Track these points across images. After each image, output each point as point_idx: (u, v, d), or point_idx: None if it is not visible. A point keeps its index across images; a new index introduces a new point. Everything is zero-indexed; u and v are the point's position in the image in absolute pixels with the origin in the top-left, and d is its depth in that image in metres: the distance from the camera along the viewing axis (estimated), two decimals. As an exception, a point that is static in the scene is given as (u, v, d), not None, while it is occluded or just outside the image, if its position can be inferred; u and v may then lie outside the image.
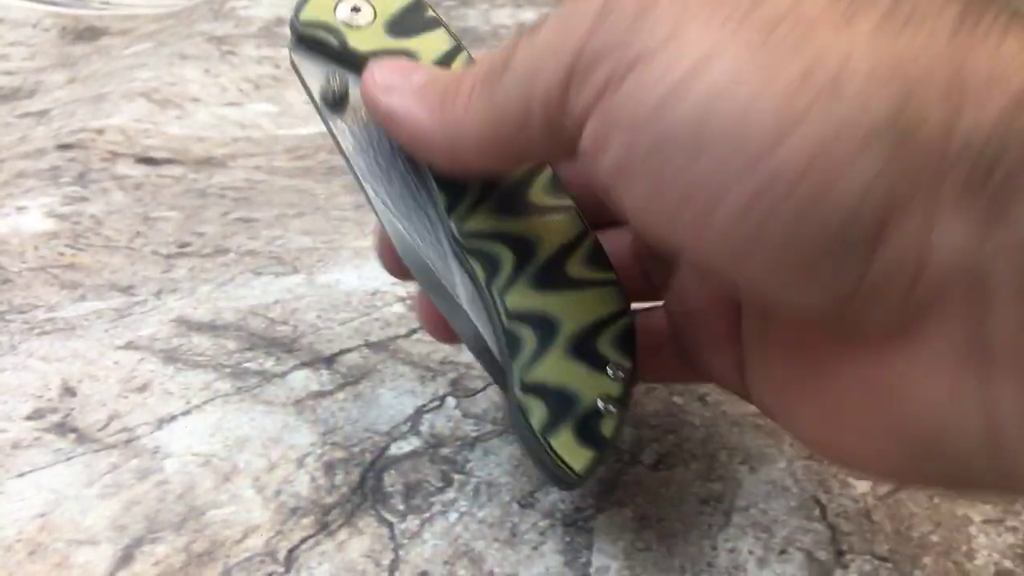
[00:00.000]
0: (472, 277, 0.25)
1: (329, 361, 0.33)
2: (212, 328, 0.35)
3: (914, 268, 0.17)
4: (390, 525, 0.26)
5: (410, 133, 0.23)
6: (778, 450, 0.29)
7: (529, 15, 0.84)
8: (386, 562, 0.25)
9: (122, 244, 0.44)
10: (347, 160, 0.26)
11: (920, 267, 0.17)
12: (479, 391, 0.32)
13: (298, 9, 0.26)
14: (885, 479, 0.23)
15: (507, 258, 0.25)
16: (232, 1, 0.84)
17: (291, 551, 0.25)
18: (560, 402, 0.23)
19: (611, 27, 0.18)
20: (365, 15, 0.26)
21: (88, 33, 0.84)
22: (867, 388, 0.19)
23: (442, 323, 0.26)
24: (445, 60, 0.26)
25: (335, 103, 0.26)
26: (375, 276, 0.39)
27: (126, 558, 0.25)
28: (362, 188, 0.26)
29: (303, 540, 0.26)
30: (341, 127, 0.26)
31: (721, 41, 0.17)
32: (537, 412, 0.23)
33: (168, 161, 0.54)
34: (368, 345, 0.34)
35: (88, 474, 0.28)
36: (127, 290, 0.39)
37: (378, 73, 0.24)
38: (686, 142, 0.17)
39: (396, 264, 0.26)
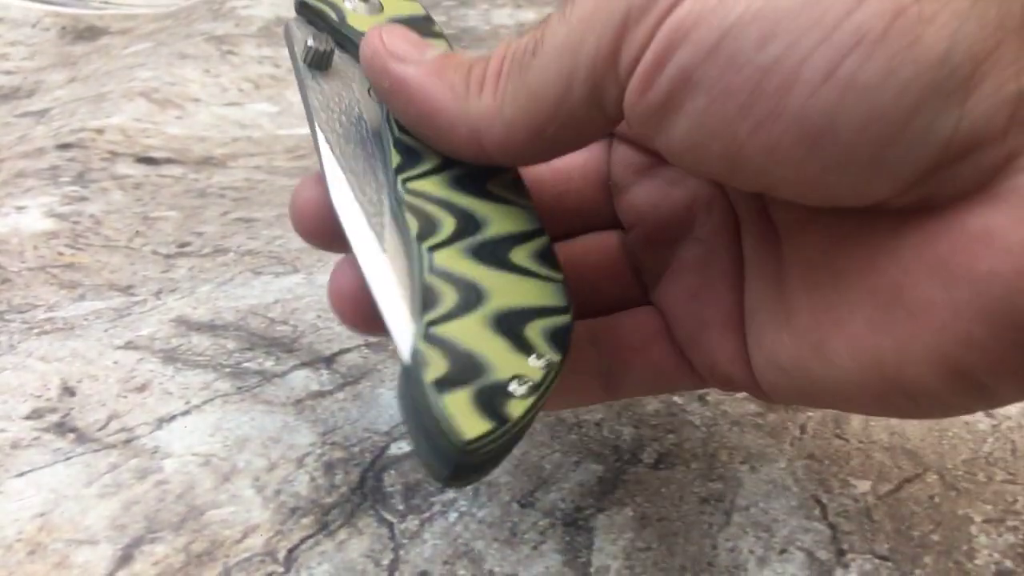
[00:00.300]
0: (404, 232, 0.22)
1: (329, 361, 0.33)
2: (212, 328, 0.35)
3: (1011, 102, 0.17)
4: (390, 525, 0.26)
5: (424, 112, 0.22)
6: (778, 450, 0.29)
7: (529, 15, 0.84)
8: (386, 562, 0.25)
9: (122, 244, 0.44)
10: (308, 111, 0.25)
11: (1017, 100, 0.17)
12: (479, 391, 0.32)
13: None
14: (959, 382, 0.19)
15: (448, 224, 0.22)
16: (232, 1, 0.84)
17: (291, 551, 0.25)
18: (465, 365, 0.20)
19: None
20: (373, 6, 0.26)
21: (88, 33, 0.84)
22: (936, 263, 0.18)
23: (352, 299, 0.24)
24: None
25: (315, 62, 0.25)
26: (375, 276, 0.39)
27: (125, 558, 0.25)
28: (314, 137, 0.25)
29: (303, 540, 0.26)
30: (313, 84, 0.25)
31: None
32: (435, 365, 0.20)
33: (168, 161, 0.54)
34: (368, 345, 0.34)
35: (87, 474, 0.28)
36: (127, 290, 0.39)
37: (387, 37, 0.23)
38: (753, 27, 0.17)
39: (310, 223, 0.25)
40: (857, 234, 0.20)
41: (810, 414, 0.31)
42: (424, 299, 0.21)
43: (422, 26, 0.25)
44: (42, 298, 0.38)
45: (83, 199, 0.48)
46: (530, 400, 0.20)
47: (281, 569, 0.25)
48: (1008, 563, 0.25)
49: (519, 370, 0.20)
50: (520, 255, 0.22)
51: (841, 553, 0.25)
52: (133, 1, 0.92)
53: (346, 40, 0.25)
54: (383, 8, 0.26)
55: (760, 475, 0.28)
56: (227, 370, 0.33)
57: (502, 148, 0.22)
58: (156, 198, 0.49)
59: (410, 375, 0.20)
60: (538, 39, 0.21)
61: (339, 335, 0.35)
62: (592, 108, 0.20)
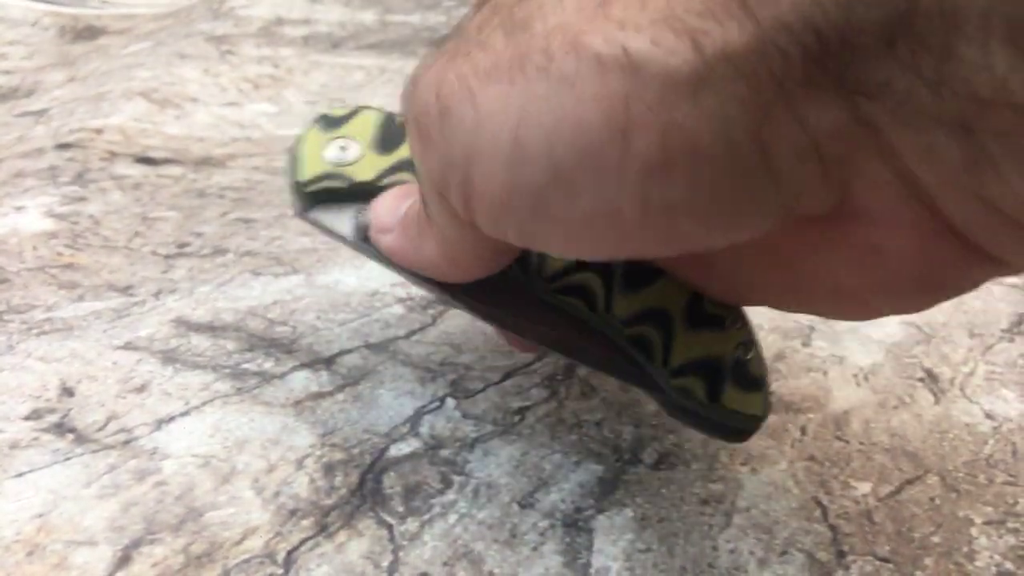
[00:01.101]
0: (578, 311, 0.27)
1: (328, 362, 0.33)
2: (211, 329, 0.35)
3: (810, 151, 0.17)
4: (389, 527, 0.26)
5: (405, 265, 0.25)
6: (779, 451, 0.29)
7: (529, 15, 0.84)
8: (385, 564, 0.25)
9: (121, 244, 0.43)
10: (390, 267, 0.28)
11: (815, 148, 0.17)
12: (479, 392, 0.32)
13: (294, 174, 0.28)
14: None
15: (596, 283, 0.26)
16: (231, 1, 0.83)
17: (290, 553, 0.25)
18: (709, 369, 0.26)
19: (435, 146, 0.20)
20: (352, 149, 0.28)
21: (87, 32, 0.84)
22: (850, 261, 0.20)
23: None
24: None
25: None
26: (374, 277, 0.39)
27: (124, 559, 0.25)
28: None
29: (302, 542, 0.26)
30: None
31: (504, 95, 0.18)
32: (698, 388, 0.26)
33: (167, 161, 0.54)
34: (368, 346, 0.34)
35: (86, 475, 0.28)
36: (126, 290, 0.39)
37: (378, 214, 0.26)
38: (555, 191, 0.18)
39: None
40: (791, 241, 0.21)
41: (810, 416, 0.31)
42: (641, 348, 0.26)
43: (390, 127, 0.29)
44: (41, 298, 0.38)
45: (82, 199, 0.48)
46: (757, 353, 0.27)
47: (280, 571, 0.25)
48: (1009, 565, 0.25)
49: (733, 341, 0.26)
50: (641, 265, 0.27)
51: (841, 555, 0.25)
52: (132, 1, 0.92)
53: (366, 196, 0.28)
54: (359, 142, 0.28)
55: (761, 476, 0.28)
56: (226, 371, 0.33)
57: (467, 272, 0.24)
58: (155, 198, 0.49)
59: (685, 405, 0.26)
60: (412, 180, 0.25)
61: (339, 336, 0.35)
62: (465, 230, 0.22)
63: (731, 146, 0.16)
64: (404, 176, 0.28)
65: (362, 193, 0.28)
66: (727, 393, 0.26)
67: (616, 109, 0.17)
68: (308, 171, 0.28)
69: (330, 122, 0.29)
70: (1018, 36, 0.13)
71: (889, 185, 0.17)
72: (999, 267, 0.19)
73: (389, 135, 0.29)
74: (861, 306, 0.22)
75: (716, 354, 0.26)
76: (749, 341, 0.27)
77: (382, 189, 0.27)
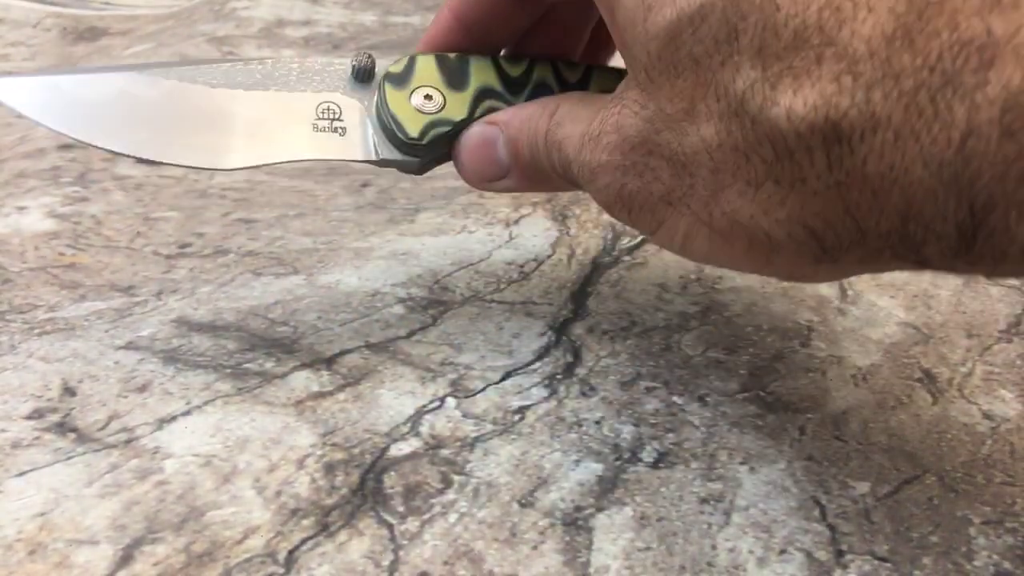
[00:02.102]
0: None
1: (329, 362, 0.33)
2: (212, 329, 0.35)
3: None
4: (390, 526, 0.26)
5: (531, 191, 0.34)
6: (778, 451, 0.29)
7: (529, 16, 0.84)
8: (386, 563, 0.25)
9: (122, 244, 0.44)
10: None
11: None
12: (479, 391, 0.32)
13: (402, 133, 0.31)
14: None
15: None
16: (233, 2, 0.84)
17: (291, 552, 0.25)
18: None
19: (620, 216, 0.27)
20: (434, 96, 0.31)
21: (89, 33, 0.84)
22: None
23: None
24: (500, 73, 0.32)
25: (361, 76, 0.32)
26: (375, 277, 0.39)
27: (126, 558, 0.25)
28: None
29: (303, 541, 0.26)
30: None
31: (674, 219, 0.26)
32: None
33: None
34: (368, 346, 0.34)
35: (88, 474, 0.28)
36: (127, 290, 0.39)
37: (473, 166, 0.31)
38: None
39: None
40: None
41: (809, 416, 0.31)
42: None
43: (448, 63, 0.32)
44: (43, 298, 0.38)
45: (84, 199, 0.48)
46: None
47: (281, 570, 0.25)
48: (1007, 564, 0.25)
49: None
50: None
51: (840, 554, 0.25)
52: (134, 2, 0.92)
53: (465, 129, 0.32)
54: (437, 88, 0.32)
55: (760, 476, 0.28)
56: (228, 371, 0.33)
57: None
58: (157, 199, 0.49)
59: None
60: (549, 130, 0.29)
61: (340, 336, 0.35)
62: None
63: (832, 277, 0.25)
64: (491, 104, 0.31)
65: (464, 130, 0.31)
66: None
67: (758, 261, 0.24)
68: (413, 127, 0.31)
69: (398, 78, 0.31)
70: None
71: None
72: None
73: (452, 72, 0.31)
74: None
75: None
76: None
77: (476, 119, 0.31)
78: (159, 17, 0.86)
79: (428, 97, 0.31)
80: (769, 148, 0.21)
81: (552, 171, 0.29)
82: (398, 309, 0.37)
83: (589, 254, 0.42)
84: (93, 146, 0.30)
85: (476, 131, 0.31)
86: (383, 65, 0.32)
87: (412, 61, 0.32)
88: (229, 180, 0.52)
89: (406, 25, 0.83)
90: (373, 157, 0.32)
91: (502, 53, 0.33)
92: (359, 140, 0.32)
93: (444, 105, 0.31)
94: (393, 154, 0.32)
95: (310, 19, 0.84)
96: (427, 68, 0.31)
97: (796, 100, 0.20)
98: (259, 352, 0.34)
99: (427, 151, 0.31)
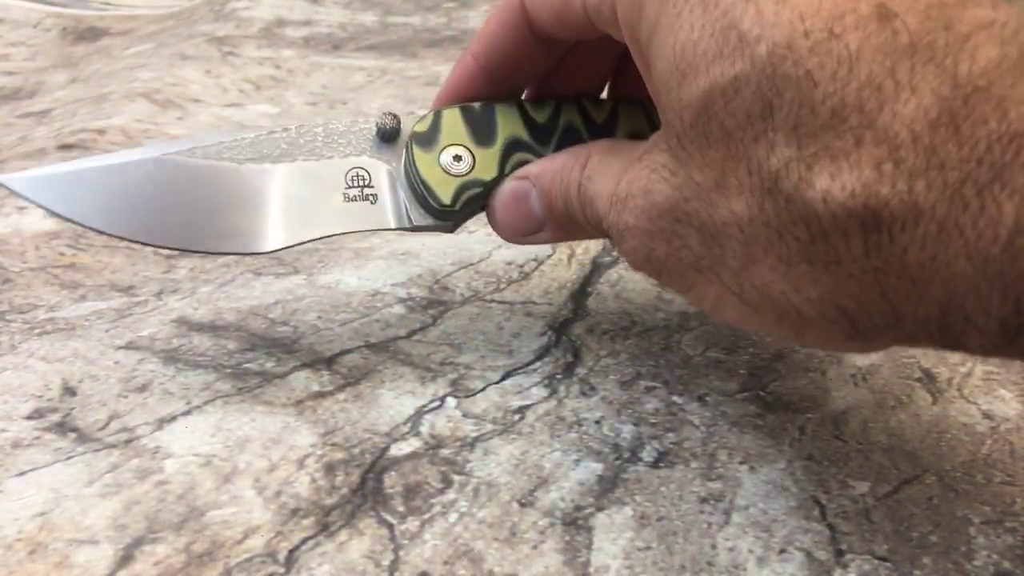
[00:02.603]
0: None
1: (329, 362, 0.33)
2: (213, 328, 0.36)
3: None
4: (390, 526, 0.26)
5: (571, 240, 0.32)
6: (778, 450, 0.29)
7: (529, 16, 0.84)
8: (386, 562, 0.25)
9: (123, 244, 0.44)
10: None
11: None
12: (479, 391, 0.32)
13: (434, 201, 0.30)
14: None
15: None
16: (233, 2, 0.84)
17: (291, 552, 0.25)
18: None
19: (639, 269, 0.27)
20: (464, 155, 0.31)
21: (89, 34, 0.84)
22: None
23: None
24: (527, 120, 0.31)
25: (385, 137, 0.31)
26: (375, 277, 0.39)
27: (126, 558, 0.25)
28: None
29: (303, 541, 0.26)
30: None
31: (704, 286, 0.25)
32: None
33: (169, 162, 0.54)
34: (368, 346, 0.34)
35: (88, 473, 0.28)
36: (128, 290, 0.39)
37: (508, 222, 0.31)
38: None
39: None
40: None
41: (809, 416, 0.31)
42: None
43: (474, 116, 0.31)
44: (43, 298, 0.39)
45: (84, 200, 0.48)
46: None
47: (282, 570, 0.25)
48: (1007, 564, 0.25)
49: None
50: None
51: (840, 553, 0.25)
52: (134, 2, 0.92)
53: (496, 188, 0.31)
54: (465, 147, 0.31)
55: (759, 475, 0.28)
56: (228, 371, 0.33)
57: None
58: (157, 199, 0.49)
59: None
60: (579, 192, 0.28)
61: (339, 336, 0.35)
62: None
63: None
64: (520, 157, 0.31)
65: (495, 189, 0.31)
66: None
67: (788, 331, 0.23)
68: (444, 193, 0.30)
69: (425, 139, 0.31)
70: None
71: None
72: None
73: (479, 126, 0.31)
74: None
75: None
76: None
77: (507, 175, 0.31)
78: (159, 17, 0.86)
79: (457, 158, 0.30)
80: (804, 228, 0.20)
81: (586, 223, 0.28)
82: (398, 309, 0.37)
83: (589, 254, 0.42)
84: (128, 239, 0.29)
85: (508, 188, 0.30)
86: (408, 123, 0.31)
87: (438, 118, 0.31)
88: (229, 180, 0.52)
89: (406, 25, 0.83)
90: (406, 224, 0.31)
91: (525, 95, 0.33)
92: (391, 206, 0.31)
93: (474, 165, 0.30)
94: (426, 220, 0.31)
95: (310, 19, 0.84)
96: (453, 124, 0.31)
97: (834, 184, 0.19)
98: (259, 352, 0.34)
99: (460, 215, 0.31)
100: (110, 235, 0.29)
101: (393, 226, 0.31)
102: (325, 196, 0.30)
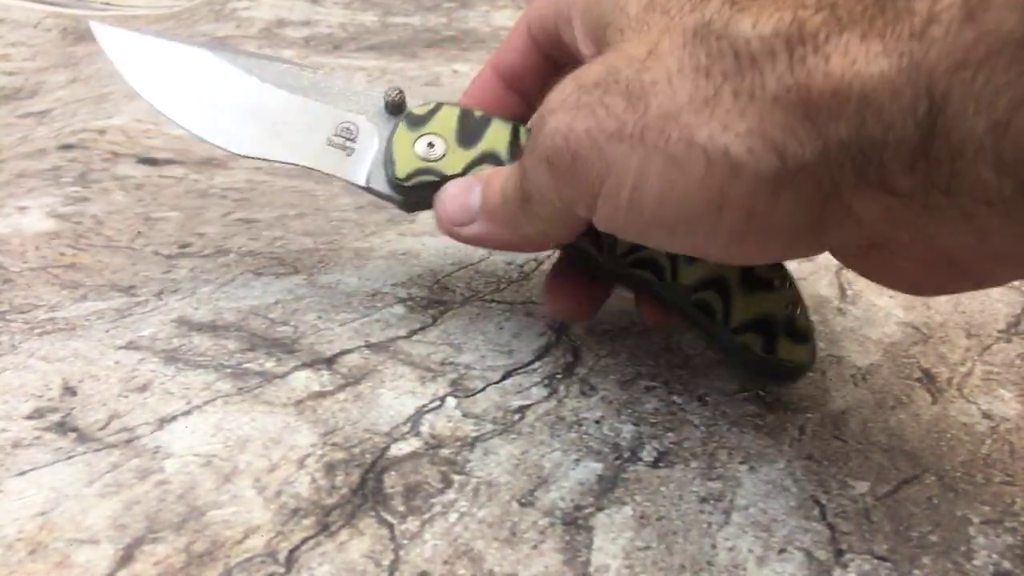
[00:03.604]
0: (649, 281, 0.31)
1: (330, 362, 0.33)
2: (213, 328, 0.36)
3: (855, 225, 0.22)
4: (390, 526, 0.26)
5: (500, 244, 0.31)
6: (777, 450, 0.29)
7: (530, 16, 0.84)
8: (386, 562, 0.25)
9: (123, 244, 0.44)
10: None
11: (858, 223, 0.22)
12: (479, 391, 0.32)
13: (391, 171, 0.32)
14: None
15: (662, 257, 0.30)
16: (233, 2, 0.84)
17: (292, 552, 0.25)
18: (764, 326, 0.30)
19: (564, 180, 0.26)
20: (438, 145, 0.32)
21: (89, 34, 0.84)
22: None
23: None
24: (513, 140, 0.32)
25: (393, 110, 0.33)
26: (375, 277, 0.39)
27: (127, 558, 0.25)
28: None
29: (304, 541, 0.26)
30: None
31: (625, 156, 0.24)
32: (755, 343, 0.30)
33: (169, 161, 0.54)
34: (368, 346, 0.34)
35: (88, 473, 0.28)
36: (128, 290, 0.39)
37: (446, 209, 0.31)
38: (658, 228, 0.24)
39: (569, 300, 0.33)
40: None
41: (809, 416, 0.31)
42: (705, 311, 0.31)
43: (469, 121, 0.32)
44: (44, 298, 0.39)
45: (85, 199, 0.48)
46: (803, 310, 0.32)
47: (282, 570, 0.25)
48: (1006, 564, 0.25)
49: (783, 300, 0.31)
50: None
51: (840, 553, 0.25)
52: (135, 2, 0.92)
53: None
54: (443, 138, 0.32)
55: (759, 475, 0.28)
56: (228, 370, 0.33)
57: (555, 239, 0.29)
58: (157, 199, 0.49)
59: (746, 358, 0.31)
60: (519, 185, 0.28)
61: (340, 336, 0.35)
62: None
63: (796, 226, 0.22)
64: (487, 167, 0.32)
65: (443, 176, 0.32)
66: (780, 345, 0.30)
67: (714, 192, 0.22)
68: (402, 167, 0.32)
69: (415, 120, 0.32)
70: (999, 161, 0.18)
71: (912, 244, 0.22)
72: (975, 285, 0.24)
73: (469, 130, 0.32)
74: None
75: (768, 312, 0.30)
76: (796, 300, 0.31)
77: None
78: (159, 17, 0.86)
79: (431, 145, 0.32)
80: (731, 59, 0.21)
81: (519, 201, 0.28)
82: (398, 309, 0.37)
83: (589, 254, 0.42)
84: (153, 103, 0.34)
85: (458, 180, 0.32)
86: (413, 104, 0.33)
87: (437, 108, 0.32)
88: (230, 180, 0.52)
89: (406, 25, 0.83)
90: (362, 183, 0.33)
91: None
92: (362, 165, 0.33)
93: (443, 157, 0.32)
94: (381, 186, 0.33)
95: (310, 19, 0.84)
96: (447, 119, 0.32)
97: (762, 15, 0.21)
98: (259, 352, 0.34)
99: (409, 193, 0.32)
100: (143, 96, 0.35)
101: (354, 181, 0.33)
102: (312, 132, 0.33)
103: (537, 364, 0.34)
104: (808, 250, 0.25)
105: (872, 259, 0.24)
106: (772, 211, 0.22)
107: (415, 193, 0.32)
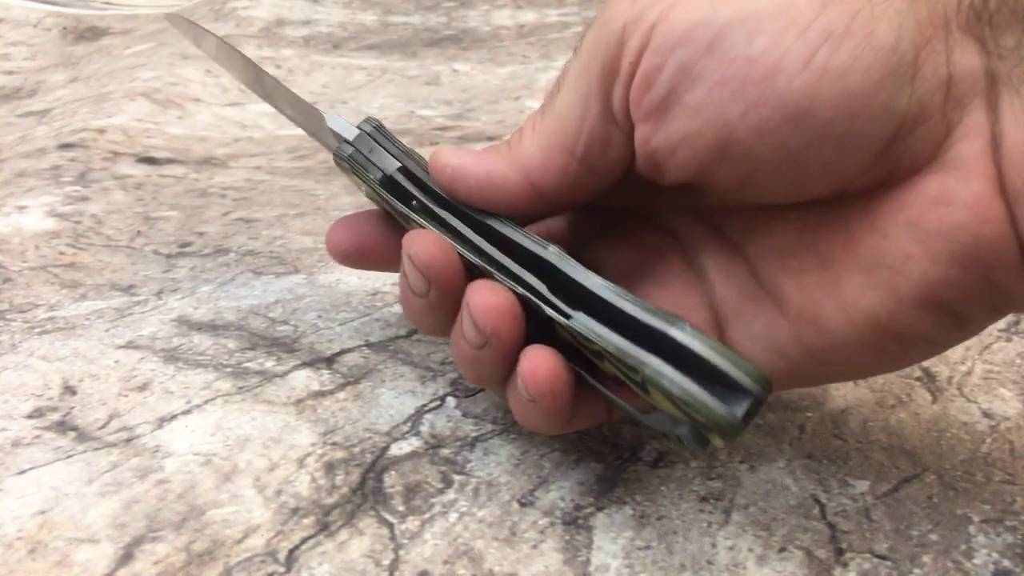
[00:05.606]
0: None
1: (330, 361, 0.33)
2: (213, 328, 0.36)
3: (944, 83, 0.21)
4: (390, 526, 0.26)
5: (482, 177, 0.26)
6: (777, 449, 0.29)
7: (529, 16, 0.84)
8: (386, 562, 0.25)
9: (123, 244, 0.44)
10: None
11: (948, 82, 0.21)
12: (479, 391, 0.32)
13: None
14: (943, 317, 0.23)
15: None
16: (233, 1, 0.84)
17: (292, 551, 0.25)
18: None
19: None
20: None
21: (89, 33, 0.84)
22: (910, 224, 0.22)
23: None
24: None
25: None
26: (375, 276, 0.39)
27: (126, 557, 0.25)
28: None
29: (304, 540, 0.26)
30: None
31: None
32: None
33: (169, 161, 0.54)
34: (368, 345, 0.34)
35: (88, 472, 0.28)
36: (128, 290, 0.39)
37: (443, 149, 0.27)
38: (742, 27, 0.22)
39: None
40: (832, 218, 0.24)
41: (809, 415, 0.31)
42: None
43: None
44: (43, 298, 0.39)
45: (84, 199, 0.48)
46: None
47: (282, 569, 0.25)
48: (1006, 563, 0.25)
49: None
50: None
51: (840, 552, 0.25)
52: (134, 2, 0.92)
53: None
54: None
55: (759, 474, 0.28)
56: (228, 370, 0.33)
57: (546, 177, 0.25)
58: (157, 198, 0.49)
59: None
60: (558, 80, 0.25)
61: (340, 335, 0.35)
62: (608, 122, 0.24)
63: (897, 47, 0.21)
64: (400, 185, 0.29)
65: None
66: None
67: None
68: (345, 131, 0.29)
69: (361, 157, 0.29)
70: None
71: (978, 141, 0.21)
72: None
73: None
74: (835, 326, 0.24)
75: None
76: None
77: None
78: (159, 16, 0.86)
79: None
80: None
81: None
82: (398, 308, 0.37)
83: (589, 253, 0.42)
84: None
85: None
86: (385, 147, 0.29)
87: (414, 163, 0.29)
88: (229, 179, 0.52)
89: (406, 25, 0.83)
90: (329, 144, 0.31)
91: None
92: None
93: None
94: (329, 142, 0.30)
95: (310, 19, 0.84)
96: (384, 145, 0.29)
97: None
98: (259, 351, 0.34)
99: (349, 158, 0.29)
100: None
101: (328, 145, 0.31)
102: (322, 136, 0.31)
103: (537, 363, 0.34)
104: (888, 114, 0.22)
105: (880, 229, 0.23)
106: (880, 17, 0.21)
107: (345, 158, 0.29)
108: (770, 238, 0.25)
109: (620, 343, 0.23)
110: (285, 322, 0.36)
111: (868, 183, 0.23)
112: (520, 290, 0.25)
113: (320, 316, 0.36)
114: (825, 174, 0.23)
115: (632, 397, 0.25)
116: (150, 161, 0.54)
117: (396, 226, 0.30)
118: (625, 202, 0.28)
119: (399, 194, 0.28)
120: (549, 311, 0.25)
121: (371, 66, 0.73)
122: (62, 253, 0.43)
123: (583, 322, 0.24)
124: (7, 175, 0.51)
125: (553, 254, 0.25)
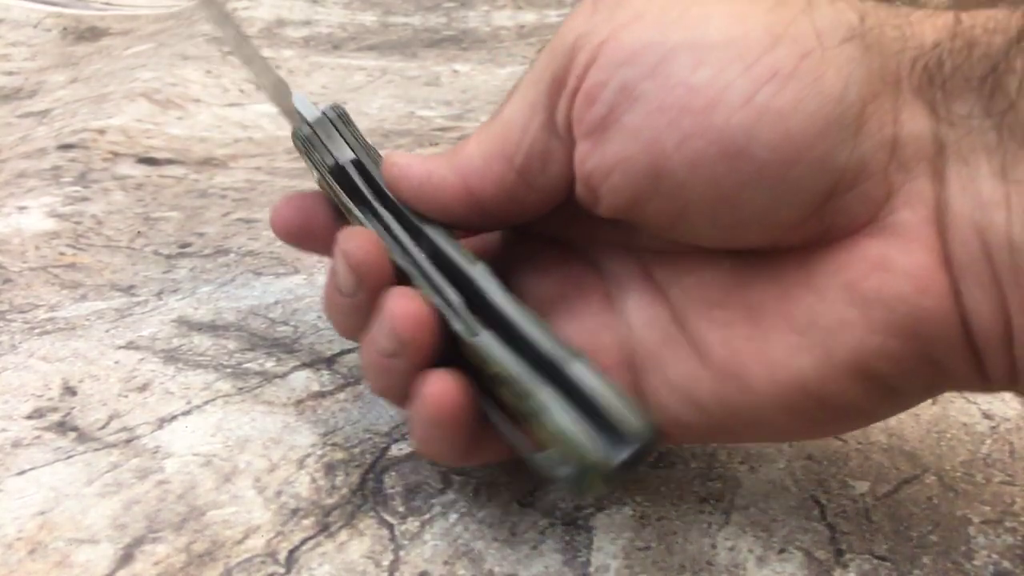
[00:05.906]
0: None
1: (330, 362, 0.33)
2: (213, 328, 0.36)
3: (890, 143, 0.21)
4: (390, 526, 0.26)
5: (422, 178, 0.26)
6: (777, 450, 0.29)
7: (529, 17, 0.84)
8: (386, 563, 0.25)
9: (123, 244, 0.44)
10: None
11: (894, 143, 0.21)
12: (479, 391, 0.32)
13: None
14: (875, 389, 0.22)
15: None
16: (233, 2, 0.84)
17: (292, 552, 0.25)
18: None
19: (601, 9, 0.23)
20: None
21: (89, 33, 0.84)
22: (848, 287, 0.21)
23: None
24: None
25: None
26: (375, 276, 0.39)
27: (126, 557, 0.25)
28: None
29: (304, 541, 0.26)
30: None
31: None
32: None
33: (169, 161, 0.54)
34: (368, 345, 0.34)
35: (88, 473, 0.28)
36: (128, 290, 0.39)
37: (398, 152, 0.27)
38: (688, 54, 0.21)
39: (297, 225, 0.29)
40: (767, 271, 0.23)
41: (809, 415, 0.31)
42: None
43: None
44: (44, 298, 0.39)
45: (85, 199, 0.48)
46: None
47: (282, 570, 0.25)
48: (1006, 564, 0.25)
49: None
50: None
51: (840, 553, 0.26)
52: (135, 2, 0.92)
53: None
54: None
55: (759, 475, 0.28)
56: (228, 370, 0.33)
57: (483, 184, 0.25)
58: (157, 199, 0.49)
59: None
60: (512, 88, 0.25)
61: (339, 336, 0.35)
62: (550, 134, 0.24)
63: (844, 97, 0.20)
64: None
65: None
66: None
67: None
68: (308, 113, 0.29)
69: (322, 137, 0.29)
70: None
71: (921, 209, 0.21)
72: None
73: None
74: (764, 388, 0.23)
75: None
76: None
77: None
78: (159, 17, 0.86)
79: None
80: None
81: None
82: (398, 309, 0.37)
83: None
84: None
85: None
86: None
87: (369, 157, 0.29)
88: (229, 180, 0.52)
89: (406, 25, 0.83)
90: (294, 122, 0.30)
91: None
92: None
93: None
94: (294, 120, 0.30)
95: (310, 19, 0.84)
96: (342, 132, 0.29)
97: None
98: (259, 352, 0.34)
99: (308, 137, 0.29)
100: None
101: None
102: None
103: (537, 364, 0.34)
104: (833, 160, 0.21)
105: (814, 289, 0.22)
106: (827, 64, 0.21)
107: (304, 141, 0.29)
108: (699, 286, 0.24)
109: (516, 369, 0.23)
110: (285, 323, 0.36)
111: (804, 238, 0.22)
112: (437, 301, 0.25)
113: (320, 317, 0.36)
114: (758, 221, 0.22)
115: (527, 434, 0.24)
116: (150, 162, 0.54)
117: (339, 217, 0.29)
118: (561, 231, 0.27)
119: (346, 186, 0.28)
120: (457, 326, 0.24)
121: (371, 67, 0.73)
122: (62, 254, 0.43)
123: (486, 342, 0.24)
124: (7, 175, 0.51)
125: (478, 271, 0.25)
